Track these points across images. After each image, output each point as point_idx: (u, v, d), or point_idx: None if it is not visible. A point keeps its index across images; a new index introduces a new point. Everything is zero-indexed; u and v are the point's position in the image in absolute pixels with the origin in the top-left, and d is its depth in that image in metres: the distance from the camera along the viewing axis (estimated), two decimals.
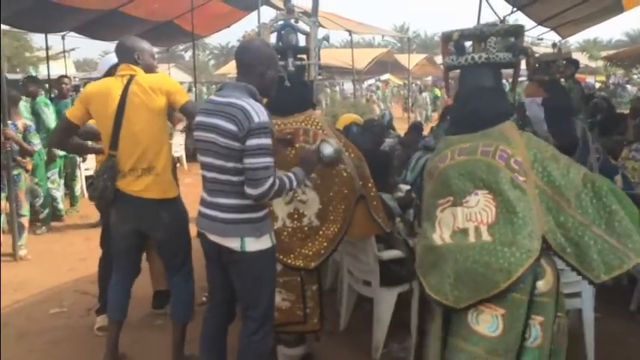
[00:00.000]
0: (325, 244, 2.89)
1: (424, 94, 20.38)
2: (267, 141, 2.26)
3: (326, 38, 3.14)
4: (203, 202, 2.47)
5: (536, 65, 4.03)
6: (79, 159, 7.07)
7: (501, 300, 2.08)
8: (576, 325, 3.35)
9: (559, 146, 3.26)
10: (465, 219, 2.18)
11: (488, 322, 2.10)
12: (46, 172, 6.34)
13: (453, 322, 2.19)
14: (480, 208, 2.18)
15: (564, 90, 4.13)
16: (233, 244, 2.37)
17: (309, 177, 2.72)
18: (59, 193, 6.74)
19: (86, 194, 5.22)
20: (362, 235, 3.10)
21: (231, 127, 2.25)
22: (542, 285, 2.13)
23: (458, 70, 2.54)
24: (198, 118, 2.41)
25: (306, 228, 2.90)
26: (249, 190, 2.27)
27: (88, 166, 7.14)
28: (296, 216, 2.90)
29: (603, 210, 2.20)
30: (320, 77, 3.33)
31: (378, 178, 3.18)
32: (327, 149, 2.64)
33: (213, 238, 2.43)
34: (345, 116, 5.49)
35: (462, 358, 2.13)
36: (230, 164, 2.31)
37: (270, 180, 2.26)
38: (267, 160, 2.26)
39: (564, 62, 3.97)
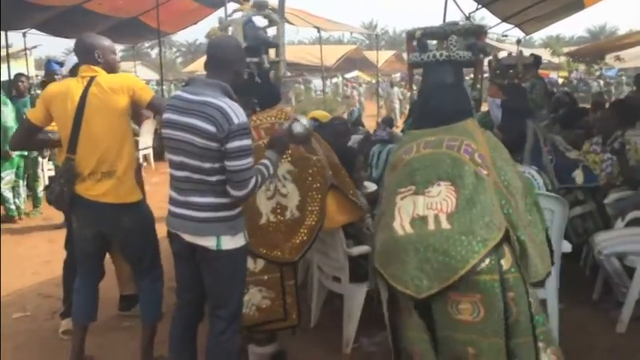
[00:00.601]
0: (306, 236, 2.90)
1: (395, 89, 20.50)
2: (247, 142, 2.27)
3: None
4: (173, 202, 2.43)
5: (497, 71, 4.20)
6: (41, 159, 6.89)
7: (473, 286, 2.14)
8: None
9: (506, 140, 3.37)
10: (425, 207, 2.25)
11: (469, 310, 2.17)
12: (0, 172, 6.17)
13: (436, 318, 2.23)
14: (441, 197, 2.24)
15: (523, 93, 4.29)
16: (208, 242, 2.35)
17: (283, 158, 2.70)
18: (11, 194, 6.55)
19: None
20: (338, 224, 3.10)
21: (210, 127, 2.22)
22: (504, 262, 2.20)
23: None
24: (168, 116, 2.36)
25: (289, 221, 2.91)
26: (234, 192, 2.28)
27: (52, 166, 6.97)
28: (279, 210, 2.90)
29: (534, 220, 2.43)
30: (289, 74, 3.37)
31: None
32: (298, 127, 2.62)
33: (187, 237, 2.39)
34: (312, 113, 5.50)
35: (457, 347, 2.20)
36: (207, 164, 2.28)
37: (253, 180, 2.29)
38: (249, 161, 2.28)
39: (522, 67, 4.13)
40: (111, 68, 2.97)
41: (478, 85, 2.73)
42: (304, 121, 2.69)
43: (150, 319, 3.06)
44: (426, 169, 2.31)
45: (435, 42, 2.62)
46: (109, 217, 2.89)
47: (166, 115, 2.37)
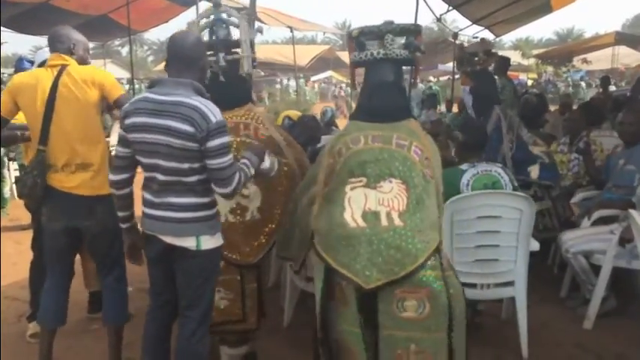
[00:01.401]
0: (265, 239, 2.89)
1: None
2: (227, 139, 2.27)
3: (259, 30, 3.12)
4: (149, 204, 2.37)
5: (462, 59, 4.35)
6: (6, 160, 6.72)
7: (419, 282, 2.21)
8: (510, 312, 3.50)
9: (467, 142, 3.43)
10: (377, 202, 2.30)
11: (414, 306, 2.22)
12: None
13: (380, 318, 2.26)
14: (392, 195, 2.31)
15: (489, 78, 4.43)
16: (188, 243, 2.33)
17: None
18: None
19: (15, 196, 4.96)
20: None
21: (188, 128, 2.19)
22: (444, 262, 2.30)
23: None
24: (137, 119, 2.26)
25: (249, 222, 2.89)
26: (219, 190, 2.29)
27: (17, 166, 6.81)
28: (239, 211, 2.88)
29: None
30: (262, 74, 3.36)
31: None
32: (266, 163, 2.60)
33: (166, 239, 2.35)
34: (286, 112, 5.52)
35: (399, 345, 2.24)
36: (185, 165, 2.26)
37: (237, 175, 2.29)
38: (230, 158, 2.28)
39: (482, 54, 4.28)
40: (82, 64, 2.93)
41: (433, 87, 2.83)
42: (271, 162, 2.67)
43: (113, 320, 3.00)
44: (377, 162, 2.36)
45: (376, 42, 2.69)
46: (83, 209, 2.85)
47: (134, 119, 2.27)
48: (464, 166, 3.33)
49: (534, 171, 4.13)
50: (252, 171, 2.46)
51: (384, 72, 2.59)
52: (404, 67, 2.76)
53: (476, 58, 4.26)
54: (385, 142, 2.41)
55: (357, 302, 2.26)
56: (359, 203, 2.31)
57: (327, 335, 2.44)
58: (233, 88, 2.97)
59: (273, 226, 2.91)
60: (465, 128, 3.59)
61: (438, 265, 2.25)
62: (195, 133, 2.19)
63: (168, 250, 2.38)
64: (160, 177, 2.30)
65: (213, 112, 2.22)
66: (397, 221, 2.26)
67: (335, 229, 2.31)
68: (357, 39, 2.60)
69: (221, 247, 2.47)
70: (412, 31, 2.62)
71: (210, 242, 2.37)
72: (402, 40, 2.59)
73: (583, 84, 23.60)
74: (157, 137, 2.24)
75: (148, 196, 2.39)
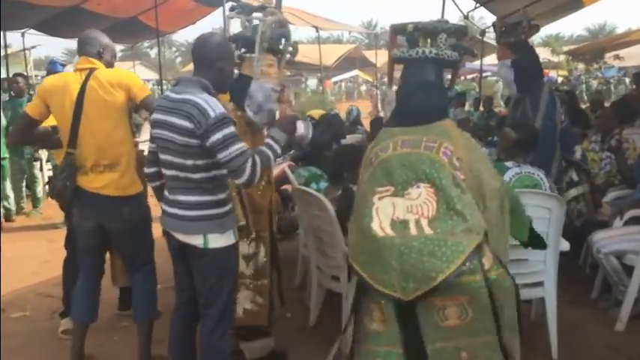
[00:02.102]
0: None
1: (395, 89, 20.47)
2: (230, 130, 2.24)
3: (284, 35, 3.10)
4: (165, 201, 2.45)
5: (502, 29, 4.07)
6: (39, 161, 6.91)
7: (457, 288, 2.10)
8: (540, 313, 3.44)
9: (520, 141, 3.34)
10: (405, 210, 2.19)
11: (457, 313, 2.13)
12: None
13: (424, 331, 2.16)
14: (421, 200, 2.19)
15: (532, 50, 4.14)
16: (196, 241, 2.35)
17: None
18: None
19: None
20: None
21: (187, 124, 2.22)
22: (485, 261, 2.16)
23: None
24: (155, 116, 2.36)
25: None
26: (236, 180, 2.30)
27: (51, 166, 6.98)
28: None
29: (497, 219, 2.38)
30: (288, 74, 3.37)
31: (343, 170, 3.20)
32: (301, 128, 2.62)
33: (177, 235, 2.41)
34: (310, 111, 5.54)
35: (450, 356, 2.15)
36: (189, 161, 2.29)
37: (249, 162, 2.25)
38: (238, 146, 2.24)
39: (529, 22, 4.01)
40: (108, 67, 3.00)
41: (456, 87, 2.73)
42: (306, 126, 2.69)
43: (142, 316, 3.05)
44: (403, 168, 2.26)
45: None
46: (110, 209, 2.90)
47: (154, 116, 2.38)
48: (509, 164, 3.30)
49: (579, 151, 4.03)
50: (277, 148, 2.42)
51: (427, 72, 2.48)
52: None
53: (518, 28, 3.99)
54: (414, 147, 2.31)
55: (397, 320, 2.16)
56: (387, 213, 2.21)
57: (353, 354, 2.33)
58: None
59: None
60: (520, 127, 3.50)
61: (477, 269, 2.12)
62: (193, 129, 2.21)
63: (182, 247, 2.42)
64: (172, 173, 2.36)
65: (212, 107, 2.23)
66: (427, 229, 2.14)
67: (365, 242, 2.22)
68: (412, 34, 2.49)
69: (236, 245, 2.47)
70: (464, 32, 2.54)
71: (219, 241, 2.37)
72: (453, 41, 2.50)
73: (612, 82, 23.06)
74: (165, 133, 2.31)
75: (165, 193, 2.46)
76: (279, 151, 2.45)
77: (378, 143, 2.44)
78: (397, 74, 2.70)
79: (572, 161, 3.93)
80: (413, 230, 2.15)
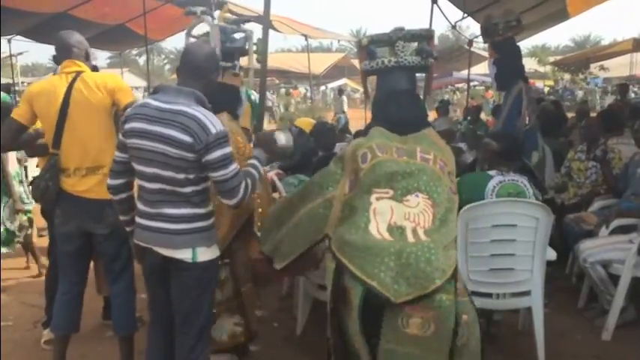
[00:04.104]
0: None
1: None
2: (228, 149, 2.22)
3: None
4: (143, 215, 2.33)
5: (486, 29, 4.16)
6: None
7: (430, 302, 2.13)
8: (526, 323, 3.45)
9: (502, 152, 3.33)
10: (403, 217, 2.23)
11: (419, 325, 2.15)
12: None
13: (384, 329, 2.20)
14: (419, 210, 2.24)
15: (513, 51, 4.19)
16: (184, 255, 2.28)
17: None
18: None
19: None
20: None
21: (186, 138, 2.15)
22: (459, 285, 2.23)
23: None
24: (134, 125, 2.23)
25: None
26: (226, 201, 2.27)
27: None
28: None
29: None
30: (277, 82, 3.46)
31: None
32: (282, 139, 2.62)
33: (161, 250, 2.31)
34: (297, 120, 5.54)
35: (397, 358, 2.19)
36: (181, 175, 2.22)
37: (243, 184, 2.26)
38: (234, 167, 2.24)
39: (503, 24, 4.08)
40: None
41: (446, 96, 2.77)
42: (287, 135, 2.69)
43: (123, 329, 3.01)
44: (405, 175, 2.30)
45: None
46: (93, 212, 2.87)
47: (132, 124, 2.24)
48: (492, 172, 3.29)
49: (535, 156, 4.10)
50: (260, 170, 2.44)
51: (396, 80, 2.54)
52: (417, 75, 2.70)
53: (496, 29, 4.06)
54: (411, 156, 2.35)
55: (358, 309, 2.19)
56: (384, 216, 2.24)
57: (339, 339, 2.39)
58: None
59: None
60: (500, 137, 3.49)
61: (452, 289, 2.17)
62: (193, 144, 2.15)
63: (165, 263, 2.33)
64: (157, 187, 2.26)
65: (213, 123, 2.18)
66: (423, 237, 2.19)
67: (360, 238, 2.24)
68: (368, 47, 2.57)
69: (218, 258, 2.43)
70: (423, 36, 2.58)
71: (206, 254, 2.32)
72: (414, 47, 2.55)
73: (597, 91, 23.33)
74: (154, 145, 2.20)
75: (142, 206, 2.34)
76: (262, 171, 2.46)
77: (371, 140, 2.44)
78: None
79: (525, 167, 3.97)
80: (410, 237, 2.19)
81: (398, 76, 2.54)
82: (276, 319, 3.81)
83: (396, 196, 2.27)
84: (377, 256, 2.17)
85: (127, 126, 2.26)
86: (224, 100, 2.85)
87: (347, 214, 2.35)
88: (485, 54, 5.33)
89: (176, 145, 2.17)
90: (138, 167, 2.29)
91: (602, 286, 3.61)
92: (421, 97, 2.76)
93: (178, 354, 2.41)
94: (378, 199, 2.28)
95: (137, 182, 2.35)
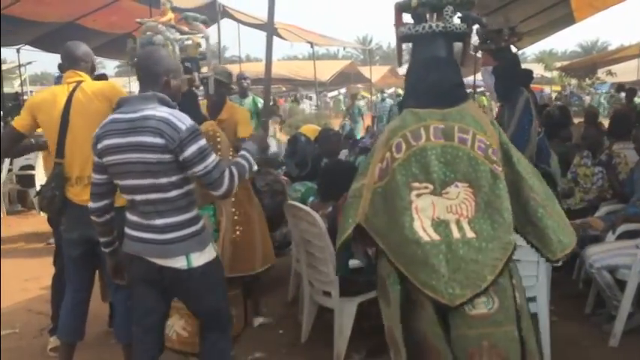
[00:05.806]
0: None
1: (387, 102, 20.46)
2: (203, 142, 2.23)
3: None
4: (135, 226, 2.32)
5: (484, 37, 4.08)
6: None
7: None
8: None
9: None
10: (445, 210, 2.19)
11: (483, 302, 2.15)
12: None
13: (451, 317, 2.19)
14: (460, 200, 2.20)
15: (513, 59, 4.12)
16: (179, 263, 2.27)
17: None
18: None
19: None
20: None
21: (159, 140, 2.16)
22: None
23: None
24: (108, 142, 2.23)
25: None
26: (213, 192, 2.27)
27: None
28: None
29: (547, 194, 2.38)
30: (284, 89, 3.55)
31: (332, 186, 3.22)
32: (273, 145, 2.66)
33: (155, 260, 2.30)
34: (302, 128, 5.56)
35: (471, 344, 2.17)
36: (163, 180, 2.21)
37: (227, 173, 2.25)
38: (214, 158, 2.24)
39: (508, 31, 4.01)
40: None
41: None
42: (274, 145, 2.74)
43: (125, 338, 2.96)
44: (441, 165, 2.22)
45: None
46: None
47: (106, 142, 2.24)
48: None
49: (554, 162, 4.05)
50: (252, 161, 2.45)
51: (437, 47, 2.39)
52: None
53: (501, 36, 3.97)
54: (448, 137, 2.24)
55: (432, 305, 2.18)
56: (427, 212, 2.20)
57: (408, 336, 2.29)
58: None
59: None
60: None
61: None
62: (166, 144, 2.16)
63: (158, 271, 2.31)
64: (140, 197, 2.25)
65: (181, 120, 2.19)
66: (468, 231, 2.16)
67: (409, 244, 2.18)
68: (416, 10, 2.41)
69: (217, 259, 2.43)
70: (471, 2, 2.44)
71: (201, 258, 2.31)
72: (459, 13, 2.42)
73: (603, 97, 23.20)
74: (129, 156, 2.20)
75: (132, 217, 2.33)
76: (252, 162, 2.46)
77: (405, 126, 2.32)
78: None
79: (546, 172, 3.92)
80: (455, 232, 2.17)
81: (439, 43, 2.39)
82: (281, 326, 3.81)
83: (436, 190, 2.21)
84: (427, 265, 2.14)
85: (100, 145, 2.26)
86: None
87: (379, 205, 2.29)
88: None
89: (151, 149, 2.17)
90: (121, 182, 2.30)
91: (609, 291, 3.58)
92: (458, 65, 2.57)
93: (204, 347, 2.50)
94: (418, 195, 2.21)
95: (125, 196, 2.34)
